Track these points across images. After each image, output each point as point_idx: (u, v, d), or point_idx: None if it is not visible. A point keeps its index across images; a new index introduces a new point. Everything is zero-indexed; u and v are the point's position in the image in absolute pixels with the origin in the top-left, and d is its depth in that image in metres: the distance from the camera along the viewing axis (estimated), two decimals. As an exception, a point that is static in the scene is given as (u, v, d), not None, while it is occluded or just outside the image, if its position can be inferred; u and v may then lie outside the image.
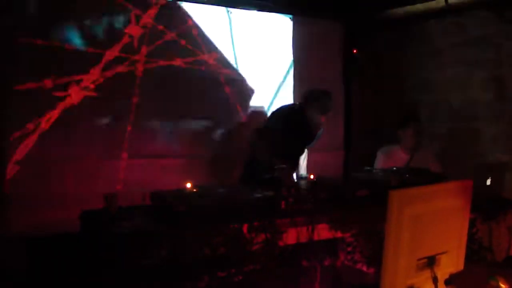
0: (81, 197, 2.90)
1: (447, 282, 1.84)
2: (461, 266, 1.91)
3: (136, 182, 3.68)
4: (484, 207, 2.71)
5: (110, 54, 3.77)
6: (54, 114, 3.58)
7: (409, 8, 4.25)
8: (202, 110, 4.23)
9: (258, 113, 4.45)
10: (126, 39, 3.84)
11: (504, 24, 3.78)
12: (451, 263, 1.87)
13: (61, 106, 3.60)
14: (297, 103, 3.99)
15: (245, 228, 2.01)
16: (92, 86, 3.69)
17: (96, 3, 3.75)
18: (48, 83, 3.52)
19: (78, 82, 3.64)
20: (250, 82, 4.53)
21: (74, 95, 3.63)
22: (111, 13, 3.79)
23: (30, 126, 3.49)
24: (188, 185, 2.25)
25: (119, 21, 3.82)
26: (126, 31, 3.84)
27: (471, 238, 2.56)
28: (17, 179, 3.41)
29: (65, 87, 3.60)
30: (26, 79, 3.44)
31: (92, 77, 3.69)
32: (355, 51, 5.04)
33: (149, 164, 3.90)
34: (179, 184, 2.27)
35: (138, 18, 3.88)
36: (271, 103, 4.67)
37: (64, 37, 3.60)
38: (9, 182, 3.39)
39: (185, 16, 4.11)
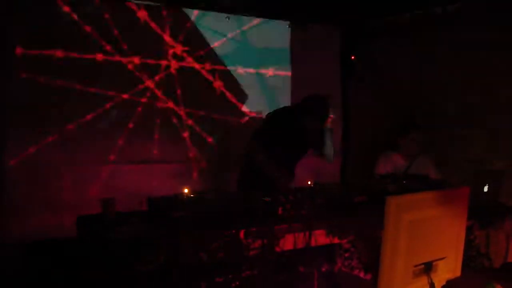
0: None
1: (444, 288, 1.84)
2: (458, 273, 1.91)
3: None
4: (482, 214, 2.71)
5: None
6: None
7: (406, 14, 4.27)
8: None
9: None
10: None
11: (497, 31, 3.81)
12: (448, 269, 1.87)
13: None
14: (293, 106, 3.93)
15: (242, 233, 2.01)
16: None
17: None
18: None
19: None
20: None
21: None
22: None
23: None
24: (185, 190, 2.25)
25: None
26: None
27: (469, 245, 2.56)
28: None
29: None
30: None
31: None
32: (353, 57, 5.06)
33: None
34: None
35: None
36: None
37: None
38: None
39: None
